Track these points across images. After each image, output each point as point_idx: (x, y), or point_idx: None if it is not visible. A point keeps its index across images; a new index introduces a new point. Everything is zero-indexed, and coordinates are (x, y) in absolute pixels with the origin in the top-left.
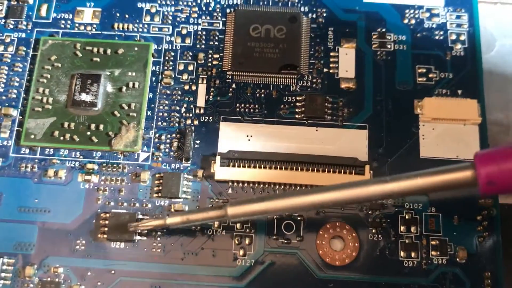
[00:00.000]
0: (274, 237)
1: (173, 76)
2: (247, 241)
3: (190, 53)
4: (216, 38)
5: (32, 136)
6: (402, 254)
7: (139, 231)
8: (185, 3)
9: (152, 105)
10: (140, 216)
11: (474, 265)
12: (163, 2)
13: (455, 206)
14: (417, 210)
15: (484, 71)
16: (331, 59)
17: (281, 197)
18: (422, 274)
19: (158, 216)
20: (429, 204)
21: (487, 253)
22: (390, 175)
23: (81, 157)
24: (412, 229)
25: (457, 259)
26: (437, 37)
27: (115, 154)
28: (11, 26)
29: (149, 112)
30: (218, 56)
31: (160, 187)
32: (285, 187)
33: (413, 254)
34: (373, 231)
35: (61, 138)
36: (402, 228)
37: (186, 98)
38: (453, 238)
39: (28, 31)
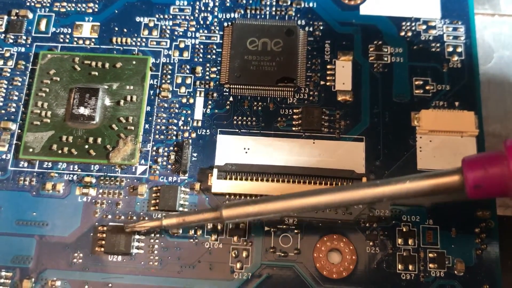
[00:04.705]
0: (271, 250)
1: (171, 89)
2: (244, 254)
3: (188, 67)
4: (214, 51)
5: (31, 150)
6: (399, 266)
7: (136, 231)
8: (182, 17)
9: (150, 118)
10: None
11: (472, 278)
12: (161, 16)
13: (453, 218)
14: (415, 223)
15: (482, 82)
16: (328, 72)
17: (275, 199)
18: (419, 287)
19: (155, 217)
20: (426, 217)
21: (486, 266)
22: None
23: (79, 170)
24: (410, 241)
25: (455, 272)
26: (433, 49)
27: (112, 168)
28: (11, 41)
29: (146, 125)
30: (215, 69)
31: (157, 200)
32: None
33: (410, 267)
34: (371, 243)
35: (59, 151)
36: (399, 240)
37: (184, 111)
38: (451, 251)
39: (28, 46)
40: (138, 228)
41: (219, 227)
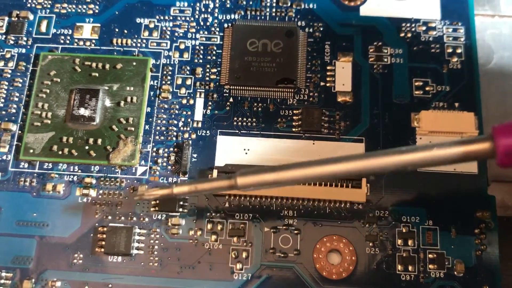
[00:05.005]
0: (271, 250)
1: (171, 90)
2: (244, 255)
3: (188, 68)
4: (214, 52)
5: (31, 151)
6: (399, 267)
7: (145, 199)
8: (183, 18)
9: (150, 119)
10: (138, 231)
11: (472, 279)
12: (161, 18)
13: (453, 219)
14: (414, 224)
15: (482, 83)
16: (328, 73)
17: (294, 167)
18: (419, 287)
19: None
20: (426, 217)
21: (485, 267)
22: (386, 188)
23: (79, 171)
24: (409, 242)
25: (455, 273)
26: (433, 50)
27: (113, 168)
28: (12, 42)
29: (147, 126)
30: (215, 70)
31: (158, 201)
32: (282, 200)
33: (410, 268)
34: (370, 244)
35: (60, 152)
36: (399, 241)
37: (184, 112)
38: (450, 252)
39: (28, 47)
40: (147, 197)
41: (218, 228)
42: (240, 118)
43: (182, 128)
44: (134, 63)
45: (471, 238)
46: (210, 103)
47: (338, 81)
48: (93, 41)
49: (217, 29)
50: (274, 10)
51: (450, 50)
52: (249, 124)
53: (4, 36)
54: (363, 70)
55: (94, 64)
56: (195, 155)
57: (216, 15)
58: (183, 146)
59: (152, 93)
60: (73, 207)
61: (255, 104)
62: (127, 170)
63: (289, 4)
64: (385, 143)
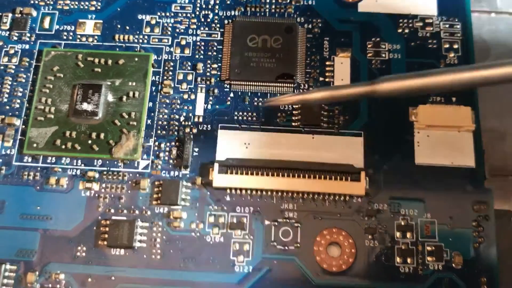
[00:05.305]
0: (271, 243)
1: (173, 85)
2: (245, 248)
3: (189, 63)
4: (215, 48)
5: (35, 145)
6: (398, 260)
7: (276, 105)
8: (184, 15)
9: (152, 114)
10: (140, 224)
11: (470, 271)
12: (163, 14)
13: (451, 212)
14: (413, 216)
15: None
16: (327, 68)
17: (440, 72)
18: (418, 279)
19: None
20: (424, 210)
21: (483, 259)
22: (385, 181)
23: (82, 165)
24: (408, 235)
25: (453, 265)
26: (430, 46)
27: (115, 162)
28: (15, 38)
29: (149, 121)
30: (216, 66)
31: (160, 195)
32: (282, 194)
33: (409, 260)
34: (369, 237)
35: (63, 146)
36: (398, 234)
37: (185, 107)
38: (448, 244)
39: (32, 43)
40: (279, 102)
41: (220, 220)
42: (240, 113)
43: (183, 123)
44: (136, 59)
45: (469, 231)
46: (211, 98)
47: (337, 76)
48: (96, 37)
49: (218, 25)
50: (273, 6)
51: (447, 46)
52: (249, 118)
53: (8, 32)
54: (362, 65)
55: (96, 60)
56: (196, 149)
57: (216, 11)
58: (184, 141)
59: (153, 88)
60: (76, 200)
61: (255, 99)
62: (130, 164)
63: (288, 1)
64: (383, 137)
